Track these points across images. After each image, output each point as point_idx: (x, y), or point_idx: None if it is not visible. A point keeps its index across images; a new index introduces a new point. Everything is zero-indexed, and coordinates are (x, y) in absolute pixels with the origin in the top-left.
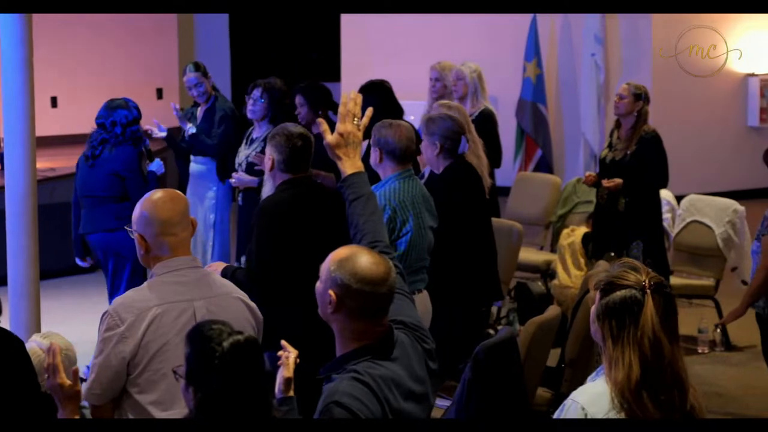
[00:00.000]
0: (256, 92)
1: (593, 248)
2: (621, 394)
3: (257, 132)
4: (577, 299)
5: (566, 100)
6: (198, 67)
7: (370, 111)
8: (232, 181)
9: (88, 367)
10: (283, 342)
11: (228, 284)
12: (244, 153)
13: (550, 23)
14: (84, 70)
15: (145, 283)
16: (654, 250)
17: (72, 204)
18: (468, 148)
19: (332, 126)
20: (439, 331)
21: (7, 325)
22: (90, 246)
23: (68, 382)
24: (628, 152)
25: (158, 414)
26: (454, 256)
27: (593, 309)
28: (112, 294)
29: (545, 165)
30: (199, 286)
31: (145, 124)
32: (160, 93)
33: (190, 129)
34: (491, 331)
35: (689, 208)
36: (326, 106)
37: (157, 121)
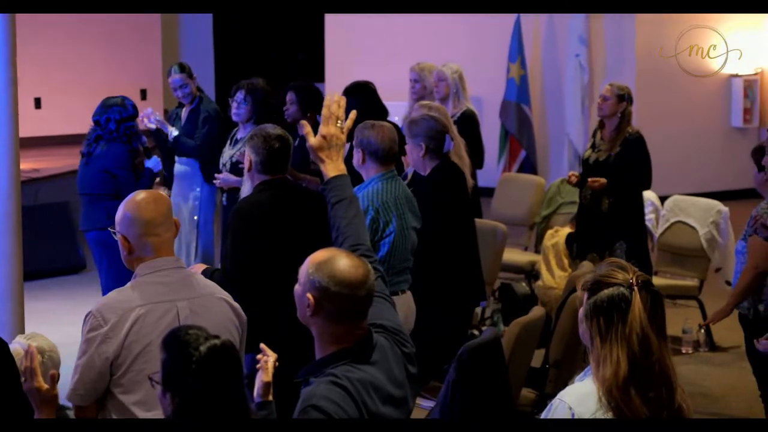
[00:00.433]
0: (240, 95)
1: (577, 249)
2: (609, 392)
3: (242, 133)
4: (562, 300)
5: (550, 100)
6: (183, 68)
7: (353, 114)
8: (217, 182)
9: None
10: (262, 346)
11: (211, 285)
12: (228, 153)
13: (534, 24)
14: (68, 71)
15: (128, 284)
16: (638, 251)
17: None
18: (452, 146)
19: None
20: (423, 331)
21: None
22: (88, 243)
23: (45, 385)
24: (612, 153)
25: (142, 414)
26: (439, 256)
27: (581, 310)
28: (106, 292)
29: (529, 166)
30: (183, 287)
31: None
32: (144, 94)
33: (173, 132)
34: (475, 332)
35: (673, 209)
36: (315, 108)
37: (151, 110)
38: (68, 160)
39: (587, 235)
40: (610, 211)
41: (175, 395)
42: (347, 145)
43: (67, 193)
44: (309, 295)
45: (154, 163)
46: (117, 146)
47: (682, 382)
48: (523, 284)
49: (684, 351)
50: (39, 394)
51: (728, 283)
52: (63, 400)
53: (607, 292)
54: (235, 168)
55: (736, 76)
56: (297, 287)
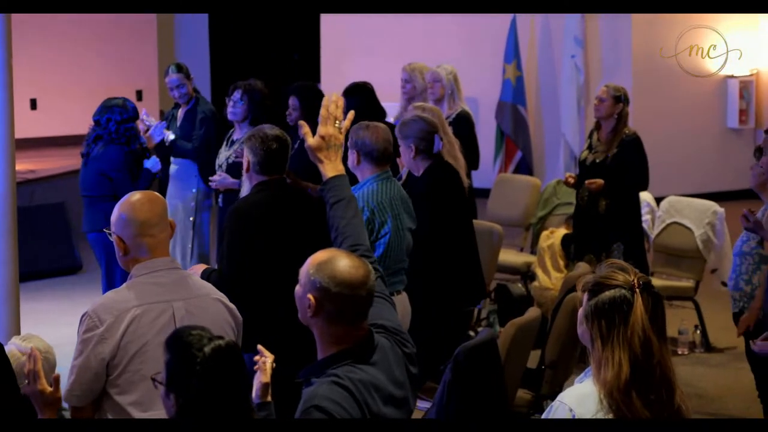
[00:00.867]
0: (236, 94)
1: (574, 250)
2: (610, 395)
3: (238, 134)
4: (557, 301)
5: (546, 101)
6: (180, 68)
7: (351, 114)
8: (212, 184)
9: None
10: (260, 347)
11: (207, 286)
12: (224, 155)
13: (529, 25)
14: (64, 72)
15: (124, 285)
16: (635, 252)
17: None
18: (442, 146)
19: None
20: (419, 332)
21: None
22: (89, 244)
23: (49, 388)
24: (609, 155)
25: (138, 415)
26: (435, 256)
27: (581, 311)
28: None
29: (525, 167)
30: (178, 287)
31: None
32: (139, 95)
33: (169, 135)
34: (471, 333)
35: (669, 210)
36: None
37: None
38: (64, 161)
39: (584, 236)
40: (607, 212)
41: (178, 396)
42: None
43: (63, 194)
44: (310, 296)
45: (152, 164)
46: (113, 148)
47: (678, 383)
48: (519, 285)
49: (680, 352)
50: (42, 396)
51: (724, 284)
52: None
53: (608, 294)
54: (232, 169)
55: (732, 77)
56: (298, 288)
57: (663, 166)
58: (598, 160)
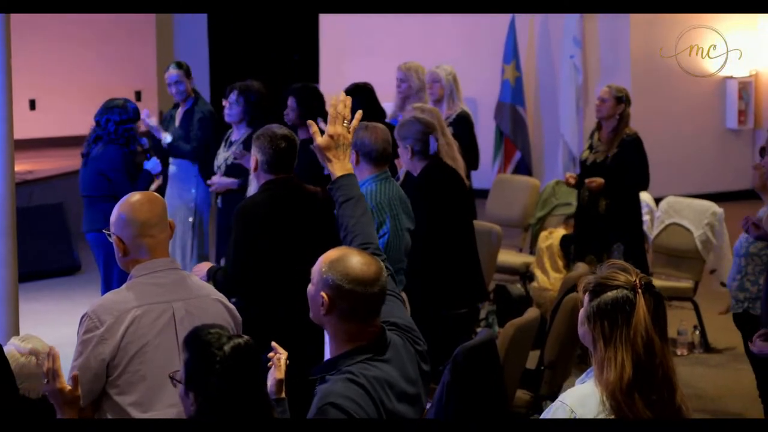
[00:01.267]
0: (233, 95)
1: (575, 251)
2: (612, 396)
3: (235, 135)
4: (556, 301)
5: (545, 102)
6: (181, 65)
7: (359, 113)
8: (212, 187)
9: None
10: (274, 344)
11: (206, 286)
12: (222, 156)
13: (528, 25)
14: (63, 73)
15: (124, 285)
16: (635, 253)
17: None
18: (440, 147)
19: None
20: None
21: None
22: (88, 244)
23: (68, 387)
24: (609, 154)
25: (137, 415)
26: (433, 256)
27: (582, 312)
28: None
29: (524, 167)
30: (178, 288)
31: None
32: (138, 95)
33: (166, 138)
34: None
35: (668, 210)
36: (315, 114)
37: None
38: (63, 162)
39: (585, 236)
40: (607, 212)
41: (198, 394)
42: None
43: (62, 195)
44: (323, 294)
45: (152, 164)
46: (112, 148)
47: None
48: (518, 286)
49: (679, 353)
50: (62, 395)
51: (723, 284)
52: None
53: (610, 294)
54: (230, 170)
55: (731, 77)
56: (310, 287)
57: (662, 167)
58: (598, 160)
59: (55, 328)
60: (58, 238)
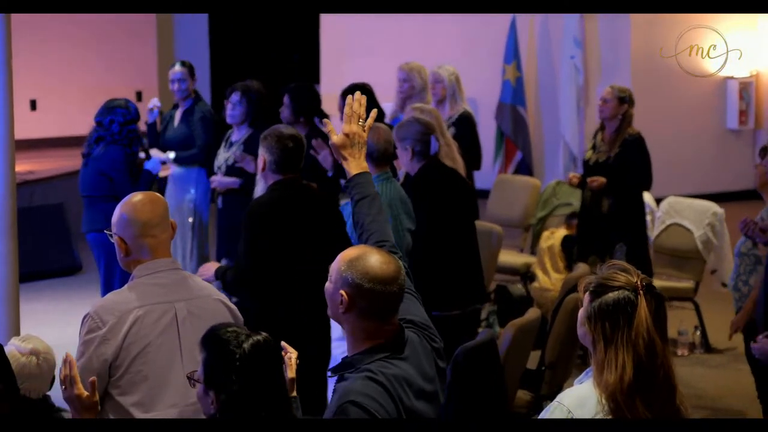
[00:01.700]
0: (235, 96)
1: (578, 251)
2: (611, 397)
3: (236, 135)
4: (557, 302)
5: (545, 102)
6: (185, 64)
7: (374, 112)
8: (213, 184)
9: None
10: (283, 343)
11: (208, 286)
12: (223, 156)
13: (528, 26)
14: (63, 73)
15: (125, 285)
16: (638, 253)
17: None
18: (440, 148)
19: (317, 133)
20: None
21: None
22: (88, 245)
23: (86, 392)
24: (611, 154)
25: (140, 415)
26: (432, 256)
27: (582, 312)
28: (105, 293)
29: (525, 167)
30: (180, 288)
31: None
32: (139, 95)
33: (169, 155)
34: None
35: (669, 211)
36: (309, 111)
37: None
38: (63, 162)
39: (588, 237)
40: (609, 212)
41: (219, 393)
42: None
43: (63, 195)
44: (342, 292)
45: (153, 164)
46: (114, 149)
47: (678, 383)
48: (519, 286)
49: (679, 353)
50: (79, 401)
51: (724, 285)
52: (60, 401)
53: (612, 295)
54: (230, 170)
55: (732, 78)
56: (328, 284)
57: (662, 167)
58: (601, 160)
59: (56, 328)
60: (59, 238)
